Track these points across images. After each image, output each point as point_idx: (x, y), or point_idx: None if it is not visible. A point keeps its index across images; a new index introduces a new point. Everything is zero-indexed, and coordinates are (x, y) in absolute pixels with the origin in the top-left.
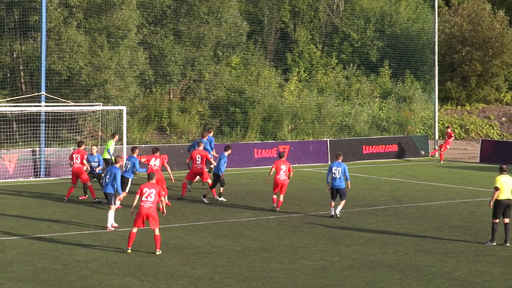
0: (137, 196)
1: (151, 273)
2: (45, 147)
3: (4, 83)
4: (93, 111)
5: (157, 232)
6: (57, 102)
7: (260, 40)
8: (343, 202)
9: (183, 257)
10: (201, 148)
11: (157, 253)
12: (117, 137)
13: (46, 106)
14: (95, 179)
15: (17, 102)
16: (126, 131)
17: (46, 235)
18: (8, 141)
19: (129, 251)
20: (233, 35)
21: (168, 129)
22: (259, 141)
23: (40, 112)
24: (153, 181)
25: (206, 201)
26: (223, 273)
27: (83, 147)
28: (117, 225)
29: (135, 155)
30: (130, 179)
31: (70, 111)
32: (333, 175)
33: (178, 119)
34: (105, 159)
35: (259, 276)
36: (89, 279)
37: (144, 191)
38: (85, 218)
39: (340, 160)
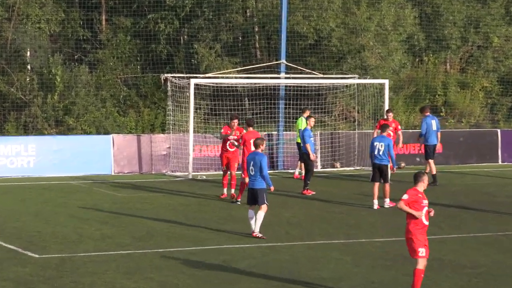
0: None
1: None
2: (284, 130)
3: (234, 48)
4: (346, 86)
5: None
6: (301, 73)
7: None
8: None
9: (463, 278)
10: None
11: None
12: (308, 112)
13: (286, 78)
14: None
15: (250, 73)
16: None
17: (284, 244)
18: (239, 121)
19: None
20: None
21: (443, 109)
22: None
23: (278, 86)
24: None
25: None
26: None
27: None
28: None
29: (385, 133)
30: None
31: (316, 85)
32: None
33: (457, 97)
34: (297, 143)
35: None
36: None
37: None
38: (335, 222)
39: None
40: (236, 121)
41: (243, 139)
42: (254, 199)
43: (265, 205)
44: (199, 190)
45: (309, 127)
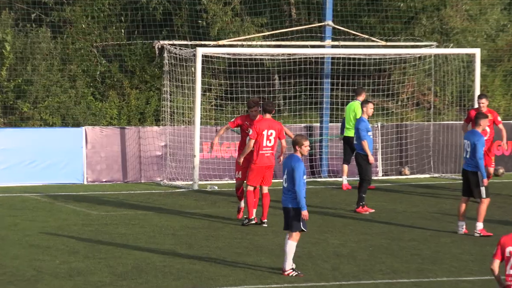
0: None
1: None
2: (329, 121)
3: (259, 4)
4: (419, 58)
5: None
6: (354, 39)
7: None
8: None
9: None
10: None
11: None
12: (364, 95)
13: (333, 46)
14: None
15: (282, 40)
16: (479, 91)
17: (330, 284)
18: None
19: None
20: None
21: None
22: None
23: (323, 58)
24: None
25: None
26: None
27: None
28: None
29: (480, 128)
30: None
31: (376, 56)
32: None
33: None
34: (345, 138)
35: None
36: None
37: None
38: (404, 254)
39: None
40: (256, 109)
41: (254, 129)
42: (287, 222)
43: (297, 232)
44: (209, 207)
45: (365, 117)
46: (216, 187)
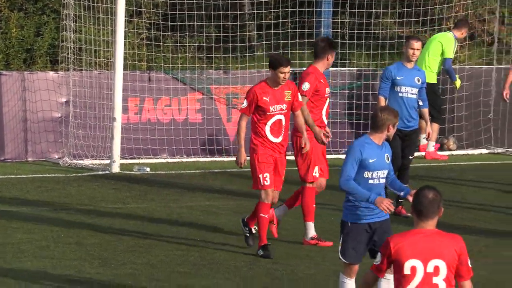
0: None
1: None
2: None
3: None
4: None
5: None
6: None
7: None
8: None
9: None
10: None
11: None
12: (465, 32)
13: None
14: None
15: None
16: None
17: None
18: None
19: None
20: None
21: None
22: None
23: None
24: None
25: None
26: None
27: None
28: None
29: None
30: None
31: None
32: None
33: None
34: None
35: None
36: None
37: None
38: None
39: None
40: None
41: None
42: None
43: (345, 263)
44: (136, 200)
45: (405, 62)
46: (148, 169)
